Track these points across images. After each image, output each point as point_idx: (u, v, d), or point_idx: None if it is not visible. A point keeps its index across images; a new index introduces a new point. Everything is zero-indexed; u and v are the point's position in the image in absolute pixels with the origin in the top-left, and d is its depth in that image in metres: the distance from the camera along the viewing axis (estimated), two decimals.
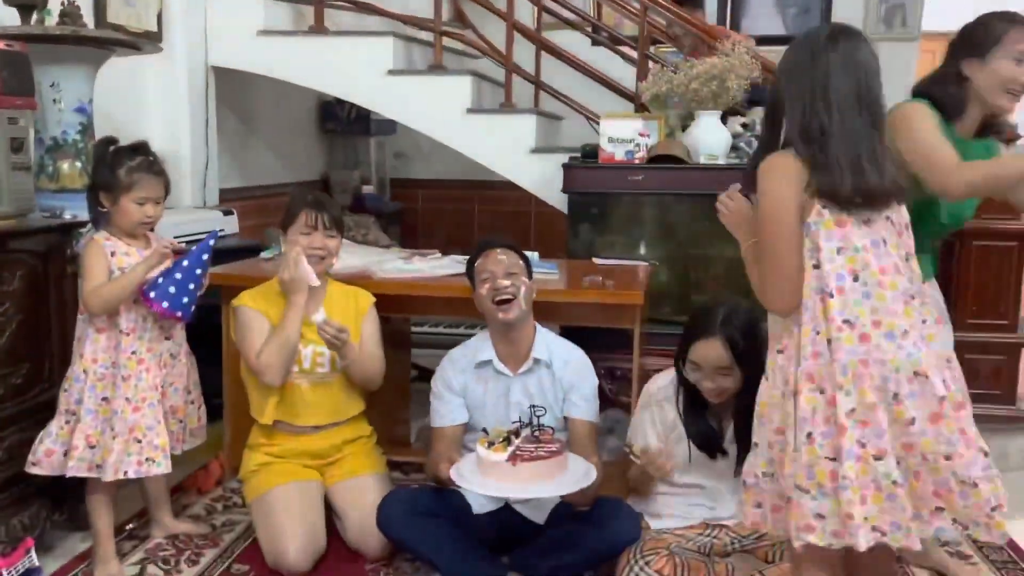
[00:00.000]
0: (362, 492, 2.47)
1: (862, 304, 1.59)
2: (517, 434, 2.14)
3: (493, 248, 2.41)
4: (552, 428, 2.22)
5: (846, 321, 1.59)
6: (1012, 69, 2.07)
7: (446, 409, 2.42)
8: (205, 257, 2.35)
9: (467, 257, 3.01)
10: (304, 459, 2.53)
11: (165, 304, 2.28)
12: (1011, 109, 2.16)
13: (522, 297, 2.34)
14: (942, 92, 2.15)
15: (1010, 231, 3.36)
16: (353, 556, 2.46)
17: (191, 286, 2.32)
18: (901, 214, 1.69)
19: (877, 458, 1.57)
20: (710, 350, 2.13)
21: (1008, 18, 2.12)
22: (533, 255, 3.16)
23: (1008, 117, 2.23)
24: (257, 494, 2.46)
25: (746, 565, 2.19)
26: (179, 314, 2.32)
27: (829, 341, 1.60)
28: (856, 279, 1.60)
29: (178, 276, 2.30)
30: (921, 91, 2.18)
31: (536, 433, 2.14)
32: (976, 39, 2.12)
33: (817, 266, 1.63)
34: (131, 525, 2.62)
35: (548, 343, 2.44)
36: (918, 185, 1.99)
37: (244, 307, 2.50)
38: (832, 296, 1.60)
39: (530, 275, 2.42)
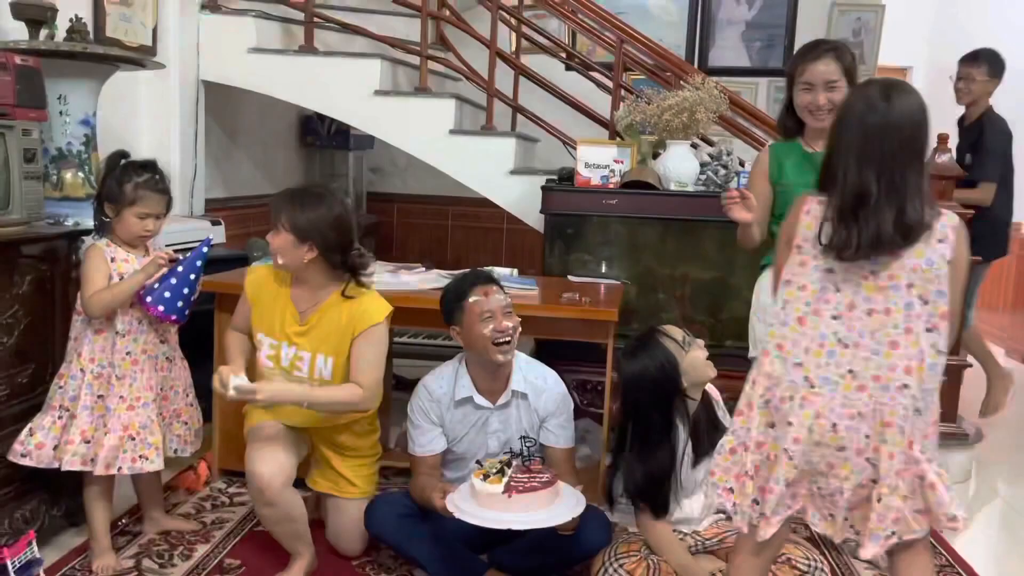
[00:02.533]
0: (347, 509, 2.55)
1: (775, 328, 1.79)
2: (509, 464, 2.19)
3: (490, 285, 2.37)
4: (541, 457, 2.30)
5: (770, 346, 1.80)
6: (802, 97, 2.50)
7: (425, 439, 2.45)
8: (199, 263, 2.46)
9: (453, 272, 3.16)
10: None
11: (161, 308, 2.40)
12: (817, 125, 2.49)
13: (516, 336, 2.37)
14: (781, 124, 2.65)
15: None
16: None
17: (186, 291, 2.43)
18: (901, 271, 1.70)
19: (732, 451, 1.82)
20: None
21: (799, 53, 2.56)
22: (512, 271, 3.33)
23: None
24: (249, 425, 2.50)
25: (710, 565, 2.37)
26: (174, 317, 2.43)
27: None
28: (784, 308, 1.78)
29: (173, 281, 2.41)
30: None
31: (527, 463, 2.20)
32: (787, 75, 2.56)
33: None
34: (123, 520, 2.71)
35: (524, 372, 2.46)
36: None
37: (246, 284, 2.50)
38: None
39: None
